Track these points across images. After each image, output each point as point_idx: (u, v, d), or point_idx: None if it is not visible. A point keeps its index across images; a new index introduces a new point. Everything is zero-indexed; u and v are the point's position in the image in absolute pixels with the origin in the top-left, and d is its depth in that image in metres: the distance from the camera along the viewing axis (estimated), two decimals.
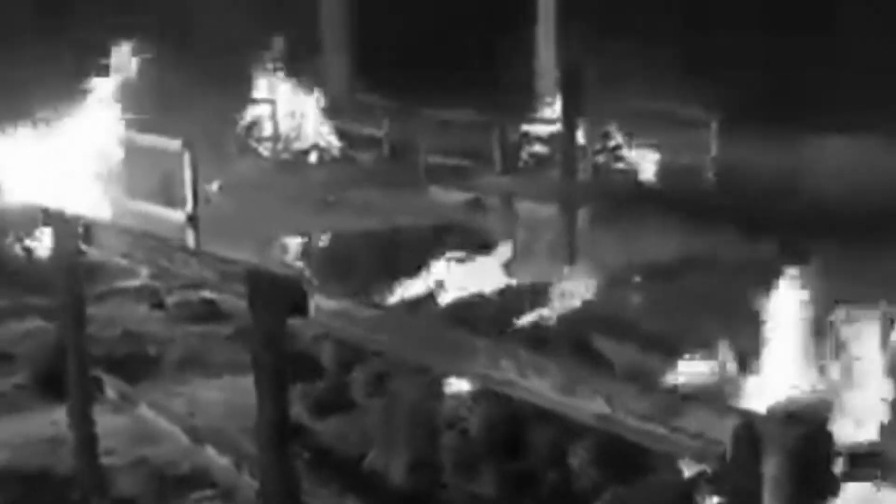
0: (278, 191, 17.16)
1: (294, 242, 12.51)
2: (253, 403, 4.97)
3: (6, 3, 20.56)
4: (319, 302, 4.40)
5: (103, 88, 11.94)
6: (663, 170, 16.59)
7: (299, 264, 11.54)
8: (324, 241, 12.74)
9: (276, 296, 4.47)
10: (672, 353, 6.31)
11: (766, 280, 5.77)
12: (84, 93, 12.00)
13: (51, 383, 7.35)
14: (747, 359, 5.77)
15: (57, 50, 16.91)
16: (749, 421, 3.06)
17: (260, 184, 17.57)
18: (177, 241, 6.96)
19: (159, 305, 9.73)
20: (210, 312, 9.31)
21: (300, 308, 4.40)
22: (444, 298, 7.06)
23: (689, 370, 5.90)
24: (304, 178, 18.86)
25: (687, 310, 8.82)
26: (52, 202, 8.11)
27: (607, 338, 6.72)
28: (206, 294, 9.19)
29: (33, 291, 9.64)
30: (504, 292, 7.06)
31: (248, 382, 7.09)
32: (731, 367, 5.89)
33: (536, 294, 7.02)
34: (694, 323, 8.44)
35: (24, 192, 10.51)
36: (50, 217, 6.06)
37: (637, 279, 9.19)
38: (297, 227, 13.38)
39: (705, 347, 6.10)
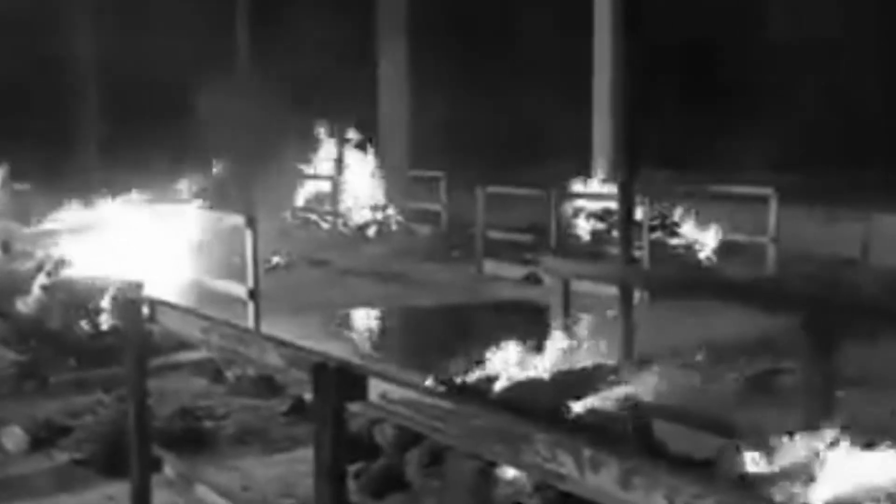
0: (336, 264, 17.32)
1: (351, 316, 12.55)
2: (308, 481, 5.01)
3: None
4: (377, 386, 4.57)
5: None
6: (724, 249, 16.27)
7: (357, 338, 11.57)
8: (380, 315, 12.75)
9: (338, 383, 4.67)
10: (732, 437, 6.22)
11: None
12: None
13: (110, 459, 7.41)
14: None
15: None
16: None
17: (318, 257, 17.74)
18: (241, 326, 6.96)
19: (219, 380, 9.78)
20: (267, 387, 9.38)
21: (360, 394, 4.62)
22: (500, 382, 6.99)
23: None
24: (362, 251, 19.02)
25: (747, 395, 8.74)
26: (119, 276, 8.17)
27: (667, 423, 6.66)
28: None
29: (97, 364, 9.78)
30: (561, 376, 6.98)
31: (303, 458, 7.20)
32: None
33: (594, 378, 6.93)
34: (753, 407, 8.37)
35: (95, 265, 10.67)
36: (117, 296, 6.04)
37: (698, 363, 9.14)
38: (354, 300, 13.41)
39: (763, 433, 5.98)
